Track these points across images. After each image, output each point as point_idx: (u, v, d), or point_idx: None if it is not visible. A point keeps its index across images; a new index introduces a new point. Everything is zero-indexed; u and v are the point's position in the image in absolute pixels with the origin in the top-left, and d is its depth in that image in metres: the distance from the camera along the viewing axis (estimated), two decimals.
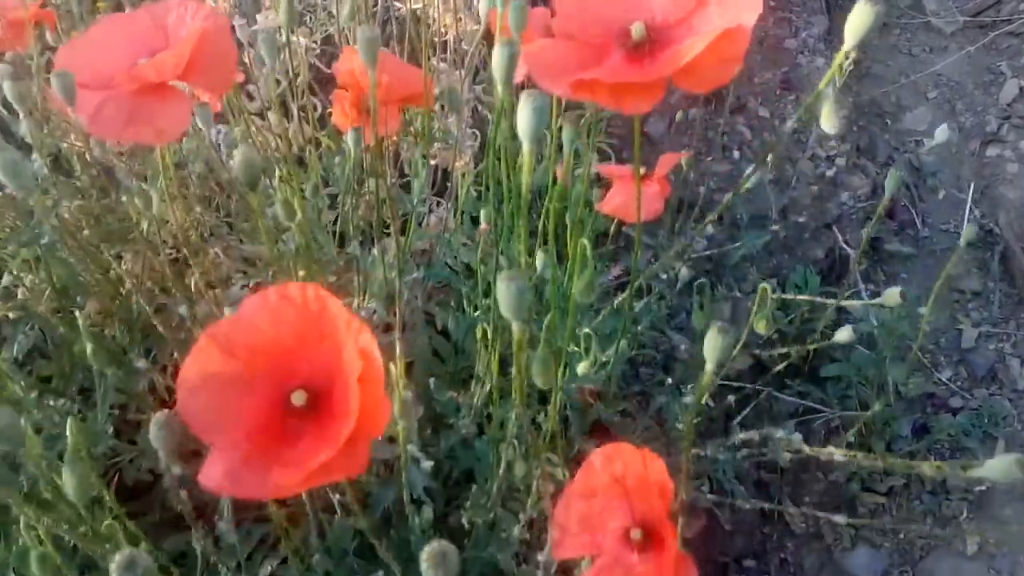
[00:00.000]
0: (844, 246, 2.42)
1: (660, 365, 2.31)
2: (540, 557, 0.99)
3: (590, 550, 0.89)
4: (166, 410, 0.64)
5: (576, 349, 1.21)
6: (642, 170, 1.31)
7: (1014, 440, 2.28)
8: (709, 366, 0.62)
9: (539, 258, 1.19)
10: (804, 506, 2.37)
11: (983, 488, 2.23)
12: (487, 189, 1.20)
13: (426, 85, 1.23)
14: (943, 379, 2.40)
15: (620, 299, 1.26)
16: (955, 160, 2.74)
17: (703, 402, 1.55)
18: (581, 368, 1.19)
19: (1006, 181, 2.64)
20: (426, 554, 0.49)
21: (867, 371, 2.28)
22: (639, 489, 0.86)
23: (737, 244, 2.05)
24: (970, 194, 2.67)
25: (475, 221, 1.82)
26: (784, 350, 2.02)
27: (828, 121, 0.81)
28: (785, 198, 2.38)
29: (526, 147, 0.64)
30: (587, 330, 1.15)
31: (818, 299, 1.62)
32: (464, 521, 1.20)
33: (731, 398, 1.84)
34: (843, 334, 1.18)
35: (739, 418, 2.10)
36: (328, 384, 0.65)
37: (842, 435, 2.31)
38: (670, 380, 1.55)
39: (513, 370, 0.73)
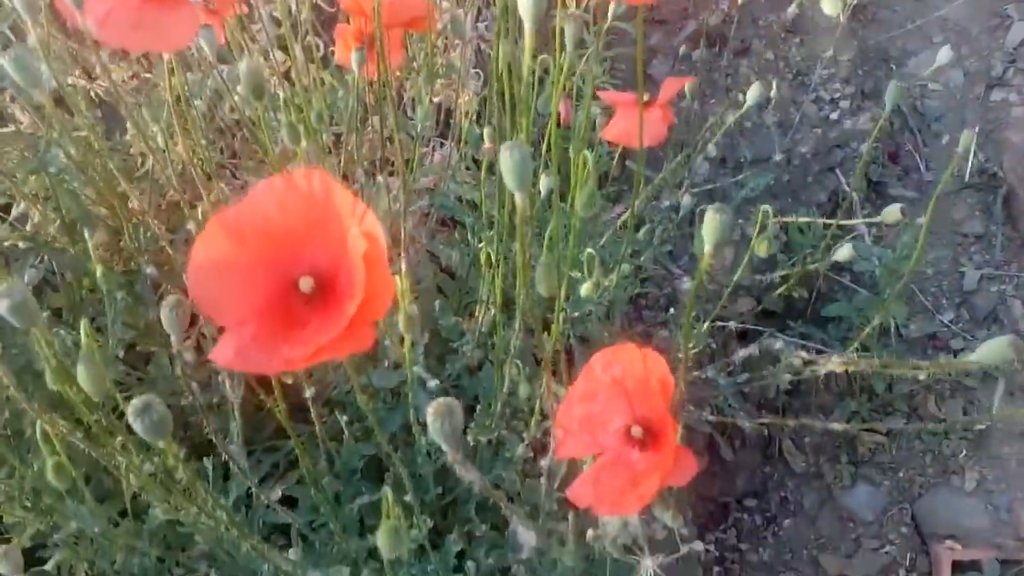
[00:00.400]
0: (847, 189, 2.42)
1: (663, 307, 2.33)
2: (543, 462, 1.02)
3: (592, 450, 0.91)
4: (177, 295, 0.65)
5: (579, 274, 1.23)
6: (645, 96, 1.32)
7: (1013, 380, 2.29)
8: (708, 247, 0.64)
9: (543, 180, 1.20)
10: (804, 449, 2.41)
11: (982, 427, 2.25)
12: (491, 112, 1.20)
13: (429, 9, 1.24)
14: (945, 321, 2.41)
15: (623, 218, 1.27)
16: (959, 104, 2.73)
17: (704, 333, 1.57)
18: (584, 290, 1.20)
19: (1010, 125, 2.63)
20: (432, 407, 0.51)
21: (868, 313, 2.29)
22: (639, 390, 0.88)
23: (740, 179, 2.05)
24: (974, 137, 2.66)
25: (477, 163, 1.83)
26: (785, 290, 2.03)
27: (829, 2, 0.81)
28: (788, 140, 2.38)
29: (528, 27, 0.64)
30: (589, 250, 1.16)
31: (822, 220, 1.60)
32: (469, 439, 1.22)
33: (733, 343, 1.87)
34: (843, 252, 1.19)
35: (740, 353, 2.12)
36: (334, 269, 0.67)
37: (844, 375, 2.33)
38: (672, 311, 1.56)
39: (517, 255, 0.74)
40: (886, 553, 2.19)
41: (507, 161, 0.57)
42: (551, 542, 1.16)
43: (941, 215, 2.56)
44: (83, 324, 0.81)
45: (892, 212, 1.15)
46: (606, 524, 0.96)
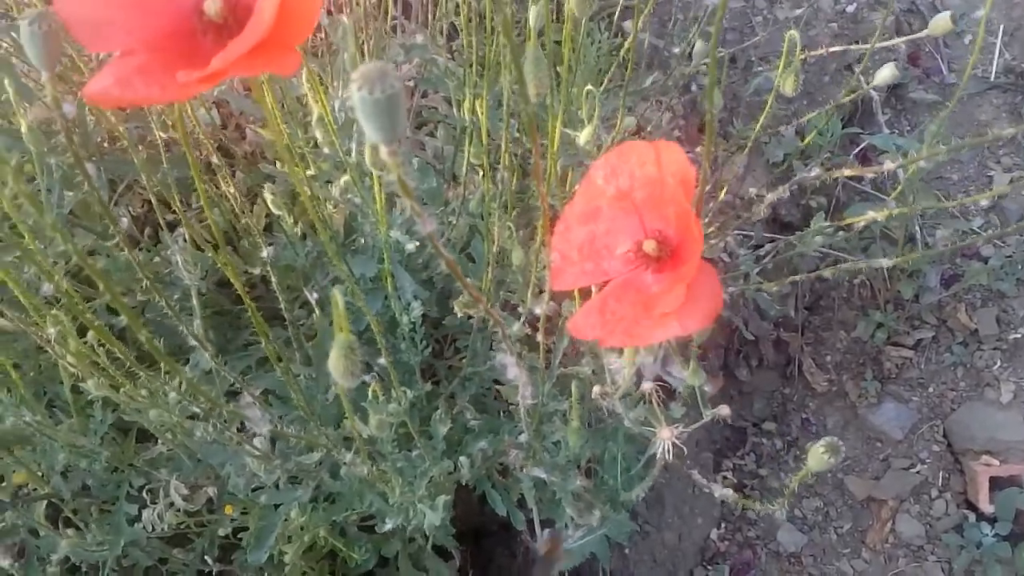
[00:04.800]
0: (863, 82, 2.24)
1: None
2: (537, 310, 0.86)
3: (596, 278, 0.75)
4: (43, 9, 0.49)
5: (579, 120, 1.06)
6: None
7: None
8: None
9: (532, 12, 1.04)
10: (825, 368, 2.25)
11: (1018, 336, 2.09)
12: None
13: None
14: (974, 228, 2.25)
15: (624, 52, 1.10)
16: (981, 2, 2.54)
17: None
18: (583, 136, 1.04)
19: None
20: (357, 73, 0.35)
21: (892, 221, 2.12)
22: (651, 199, 0.72)
23: (750, 78, 1.88)
24: (999, 36, 2.48)
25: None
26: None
27: None
28: (805, 37, 2.20)
29: None
30: (590, 87, 1.00)
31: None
32: (456, 312, 1.07)
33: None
34: (885, 73, 1.03)
35: (760, 266, 1.96)
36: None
37: (868, 286, 2.17)
38: None
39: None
40: (917, 473, 2.04)
41: None
42: (553, 421, 1.01)
43: (966, 117, 2.39)
44: None
45: (943, 20, 0.98)
46: (615, 373, 0.81)
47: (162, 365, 0.93)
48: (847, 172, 1.02)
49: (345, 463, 0.87)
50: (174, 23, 0.51)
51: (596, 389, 0.85)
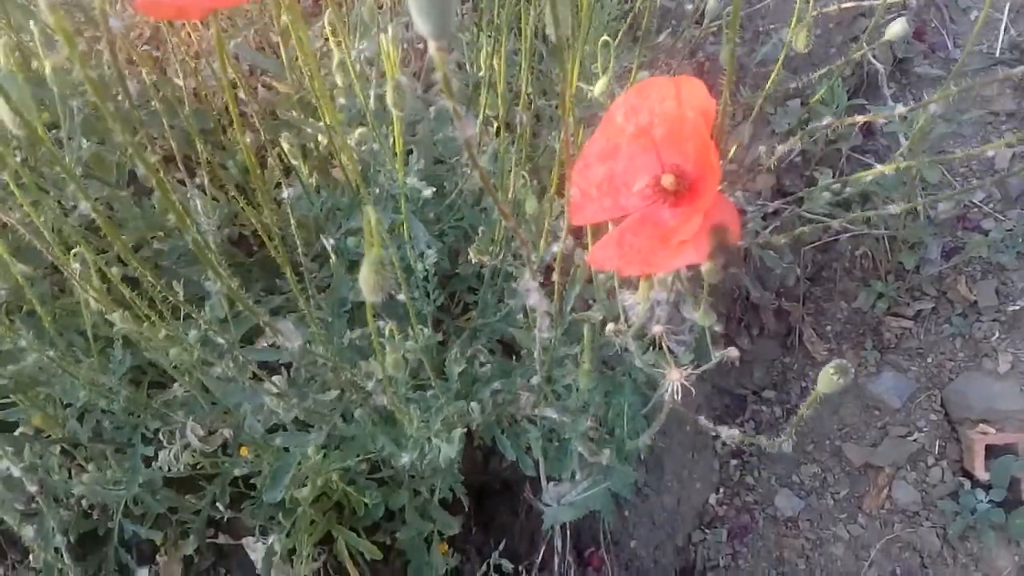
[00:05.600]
0: (873, 61, 2.26)
1: None
2: (554, 248, 0.88)
3: (614, 214, 0.77)
4: None
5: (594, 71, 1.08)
6: None
7: None
8: None
9: None
10: (826, 337, 2.28)
11: (1016, 307, 2.12)
12: None
13: None
14: (975, 201, 2.27)
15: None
16: None
17: None
18: (598, 88, 1.05)
19: None
20: None
21: (893, 193, 2.14)
22: (671, 135, 0.74)
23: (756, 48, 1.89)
24: (1005, 12, 2.49)
25: None
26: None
27: None
28: (813, 7, 2.21)
29: None
30: (605, 37, 1.02)
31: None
32: (472, 258, 1.09)
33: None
34: (896, 28, 1.04)
35: (768, 224, 1.97)
36: None
37: (869, 257, 2.19)
38: None
39: None
40: (914, 441, 2.07)
41: None
42: (564, 365, 1.04)
43: (971, 93, 2.41)
44: None
45: None
46: (629, 309, 0.83)
47: (180, 302, 0.95)
48: (859, 118, 1.04)
49: (366, 396, 0.89)
50: None
51: (610, 327, 0.87)
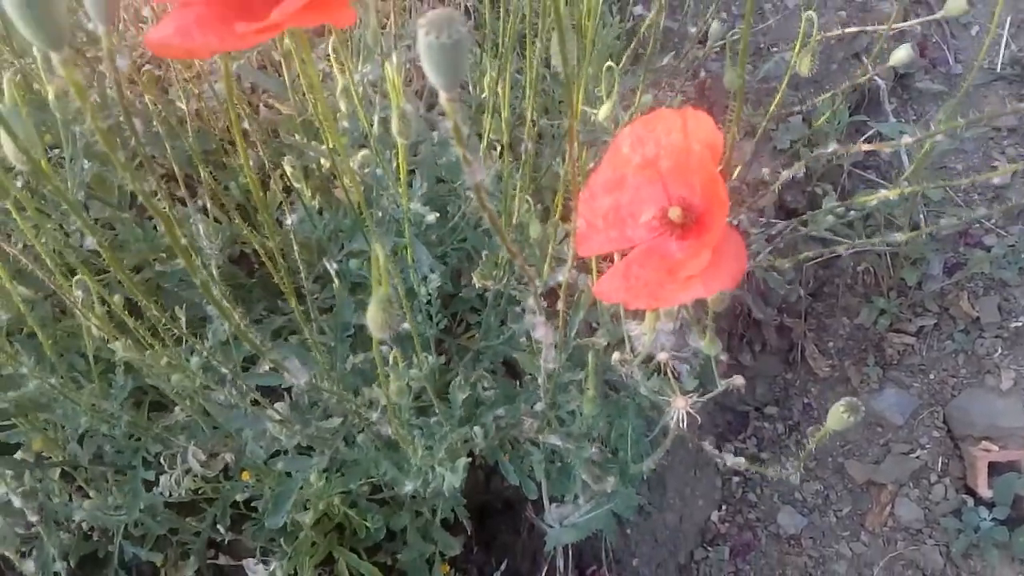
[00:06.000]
0: (876, 77, 2.26)
1: None
2: (559, 278, 0.87)
3: (620, 245, 0.77)
4: None
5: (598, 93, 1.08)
6: None
7: None
8: None
9: None
10: (828, 353, 2.27)
11: (1019, 324, 2.12)
12: None
13: None
14: (977, 217, 2.26)
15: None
16: None
17: None
18: (603, 112, 1.05)
19: None
20: (424, 18, 0.37)
21: (896, 209, 2.15)
22: (677, 167, 0.74)
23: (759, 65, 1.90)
24: (1006, 28, 2.50)
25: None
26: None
27: None
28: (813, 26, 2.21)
29: None
30: (610, 63, 1.01)
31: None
32: (475, 282, 1.08)
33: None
34: (900, 54, 1.04)
35: (771, 246, 1.97)
36: None
37: (872, 273, 2.19)
38: None
39: None
40: (916, 458, 2.06)
41: None
42: (569, 392, 1.03)
43: (972, 107, 2.41)
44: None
45: (958, 2, 0.99)
46: (635, 339, 0.82)
47: (183, 332, 0.94)
48: (864, 147, 1.03)
49: (370, 424, 0.89)
50: None
51: (615, 356, 0.86)
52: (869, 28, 1.31)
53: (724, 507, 2.11)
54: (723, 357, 0.86)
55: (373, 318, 0.60)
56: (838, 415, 0.68)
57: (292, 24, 0.48)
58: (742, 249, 0.72)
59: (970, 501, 1.95)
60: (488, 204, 0.50)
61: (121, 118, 0.61)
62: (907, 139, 1.01)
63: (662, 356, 0.93)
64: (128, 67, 1.24)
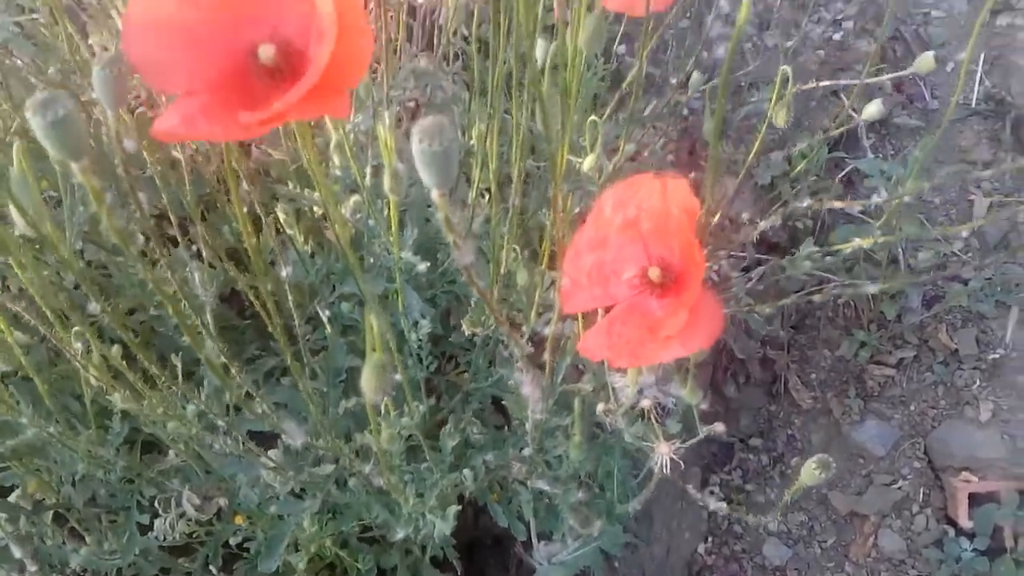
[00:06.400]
0: (853, 114, 2.31)
1: None
2: (545, 331, 0.90)
3: (603, 302, 0.80)
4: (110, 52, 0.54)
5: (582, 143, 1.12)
6: None
7: None
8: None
9: (539, 47, 1.10)
10: (811, 385, 2.31)
11: (996, 356, 2.16)
12: None
13: None
14: (955, 250, 2.32)
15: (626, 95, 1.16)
16: (964, 32, 2.63)
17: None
18: (587, 164, 1.09)
19: (1017, 49, 2.54)
20: (418, 126, 0.40)
21: (875, 245, 2.19)
22: (657, 229, 0.77)
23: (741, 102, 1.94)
24: (980, 64, 2.56)
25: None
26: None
27: None
28: (793, 63, 2.27)
29: None
30: (593, 117, 1.05)
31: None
32: (464, 330, 1.11)
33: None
34: (872, 108, 1.09)
35: (750, 286, 2.01)
36: (300, 36, 0.56)
37: (852, 306, 2.23)
38: None
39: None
40: (898, 489, 2.09)
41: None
42: (555, 436, 1.06)
43: (948, 143, 2.47)
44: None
45: (927, 60, 1.04)
46: (619, 391, 0.86)
47: (178, 386, 0.96)
48: (837, 204, 1.08)
49: (362, 473, 0.91)
50: (232, 66, 0.56)
51: (600, 406, 0.89)
52: (843, 82, 1.35)
53: (710, 539, 2.13)
54: (704, 406, 0.89)
55: (367, 383, 0.63)
56: (810, 471, 0.71)
57: (293, 117, 0.52)
58: (718, 309, 0.75)
59: (951, 532, 1.98)
60: (478, 281, 0.53)
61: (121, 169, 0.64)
62: (877, 199, 1.05)
63: (645, 403, 0.96)
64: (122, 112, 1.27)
